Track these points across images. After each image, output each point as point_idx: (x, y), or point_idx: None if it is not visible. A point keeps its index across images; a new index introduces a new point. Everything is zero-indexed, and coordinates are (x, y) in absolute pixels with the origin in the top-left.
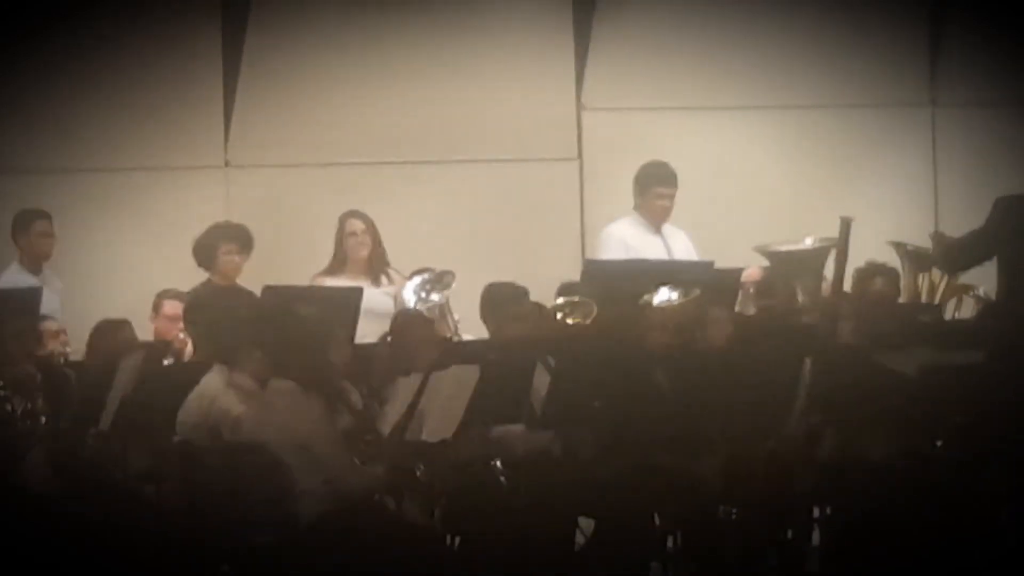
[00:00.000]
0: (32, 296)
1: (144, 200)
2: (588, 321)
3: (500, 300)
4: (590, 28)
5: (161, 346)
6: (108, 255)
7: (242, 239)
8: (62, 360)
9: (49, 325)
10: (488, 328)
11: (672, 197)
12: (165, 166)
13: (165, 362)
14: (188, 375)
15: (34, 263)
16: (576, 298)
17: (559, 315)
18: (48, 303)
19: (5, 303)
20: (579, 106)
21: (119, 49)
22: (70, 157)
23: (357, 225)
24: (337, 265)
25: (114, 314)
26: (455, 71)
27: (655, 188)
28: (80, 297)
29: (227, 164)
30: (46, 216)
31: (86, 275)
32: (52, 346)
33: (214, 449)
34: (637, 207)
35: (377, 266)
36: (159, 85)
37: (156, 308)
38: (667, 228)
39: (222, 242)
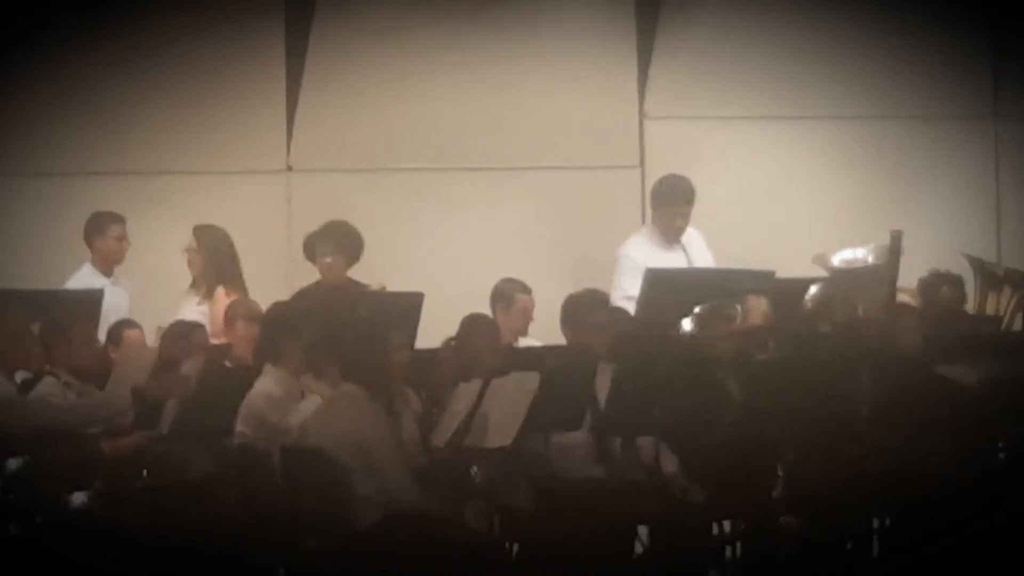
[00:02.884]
0: (93, 299)
1: (207, 204)
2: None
3: (583, 308)
4: (653, 37)
5: (222, 349)
6: (173, 258)
7: (338, 243)
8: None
9: (131, 334)
10: (567, 336)
11: (688, 213)
12: (228, 170)
13: (226, 364)
14: (248, 378)
15: (106, 266)
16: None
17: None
18: (118, 306)
19: (69, 304)
20: (641, 114)
21: (184, 53)
22: (135, 160)
23: (190, 243)
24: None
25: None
26: (519, 78)
27: (670, 204)
28: (146, 300)
29: (290, 168)
30: (121, 220)
31: (149, 278)
32: (123, 351)
33: (273, 452)
34: (653, 220)
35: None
36: (223, 89)
37: (229, 322)
38: (690, 239)
39: (318, 244)
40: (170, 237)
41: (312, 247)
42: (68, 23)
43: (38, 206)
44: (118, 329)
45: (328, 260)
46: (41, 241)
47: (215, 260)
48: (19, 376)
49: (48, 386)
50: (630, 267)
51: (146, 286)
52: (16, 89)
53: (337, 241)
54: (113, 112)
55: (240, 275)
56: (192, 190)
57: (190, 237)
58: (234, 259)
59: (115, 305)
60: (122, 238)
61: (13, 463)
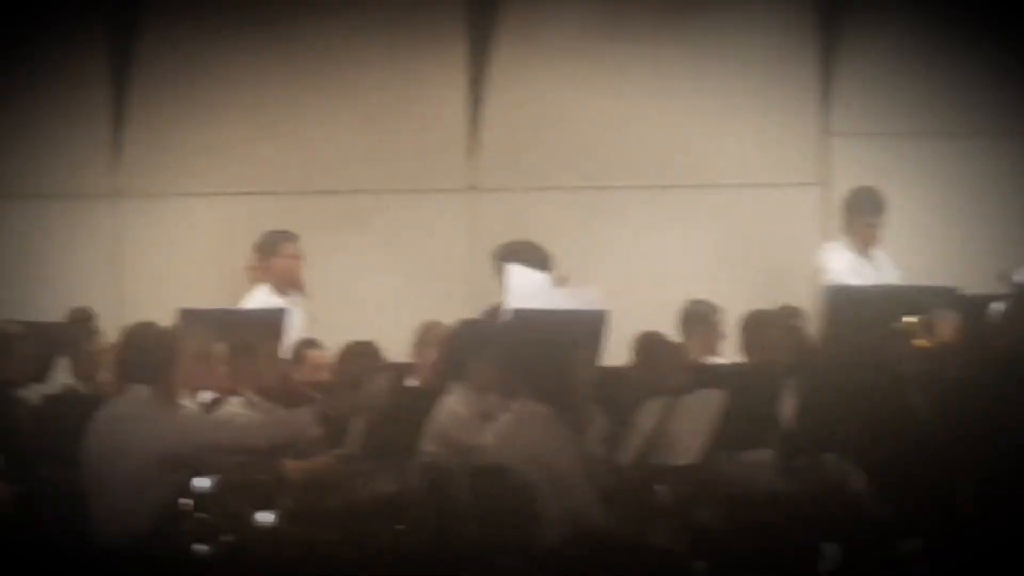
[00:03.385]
0: (278, 318)
1: (390, 221)
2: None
3: (764, 326)
4: (836, 52)
5: (407, 367)
6: (353, 276)
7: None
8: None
9: (315, 355)
10: (749, 354)
11: (879, 224)
12: (411, 188)
13: (411, 382)
14: (435, 396)
15: (283, 285)
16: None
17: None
18: (295, 325)
19: (253, 324)
20: (825, 131)
21: (366, 72)
22: (316, 179)
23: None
24: None
25: (358, 336)
26: (698, 94)
27: (863, 215)
28: (325, 319)
29: (472, 187)
30: (294, 238)
31: (330, 296)
32: (308, 374)
33: (460, 471)
34: (845, 232)
35: None
36: (404, 108)
37: (422, 338)
38: (876, 253)
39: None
40: (354, 255)
41: (499, 263)
42: (249, 42)
43: (227, 225)
44: (300, 347)
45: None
46: (223, 259)
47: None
48: (205, 396)
49: (234, 406)
50: (832, 275)
51: (327, 304)
52: (204, 110)
53: (523, 258)
54: (296, 132)
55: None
56: (376, 208)
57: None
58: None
59: (291, 324)
60: (296, 256)
61: (201, 482)
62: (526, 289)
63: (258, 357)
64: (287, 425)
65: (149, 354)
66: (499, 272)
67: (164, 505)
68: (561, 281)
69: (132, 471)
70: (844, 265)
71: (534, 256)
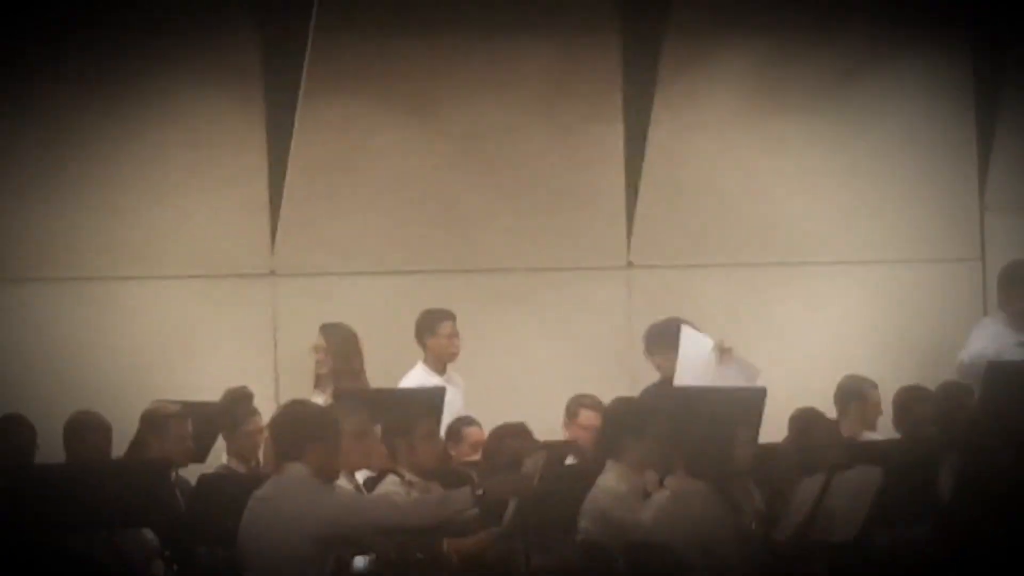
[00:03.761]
0: (436, 396)
1: (546, 300)
2: None
3: (916, 402)
4: (993, 127)
5: (563, 446)
6: (510, 354)
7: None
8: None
9: (470, 432)
10: (904, 430)
11: None
12: (568, 266)
13: (567, 461)
14: (590, 474)
15: (439, 363)
16: None
17: None
18: (452, 403)
19: (411, 404)
20: (982, 206)
21: (524, 149)
22: (474, 257)
23: (318, 342)
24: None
25: (517, 415)
26: (854, 169)
27: (1019, 290)
28: (483, 397)
29: (629, 264)
30: (451, 317)
31: (488, 374)
32: (465, 453)
33: (618, 548)
34: (1002, 308)
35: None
36: (562, 185)
37: (571, 415)
38: None
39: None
40: (511, 332)
41: (648, 343)
42: (404, 120)
43: (384, 304)
44: (457, 426)
45: (658, 359)
46: (380, 338)
47: (344, 359)
48: (362, 475)
49: (391, 485)
50: (976, 346)
51: (484, 382)
52: (359, 189)
53: (671, 339)
54: (452, 210)
55: (364, 374)
56: (534, 286)
57: (320, 335)
58: (360, 358)
59: (449, 402)
60: (454, 335)
61: (360, 561)
62: (696, 353)
63: (415, 436)
64: (445, 506)
65: (304, 433)
66: (650, 350)
67: None
68: (725, 352)
69: (288, 551)
70: (997, 341)
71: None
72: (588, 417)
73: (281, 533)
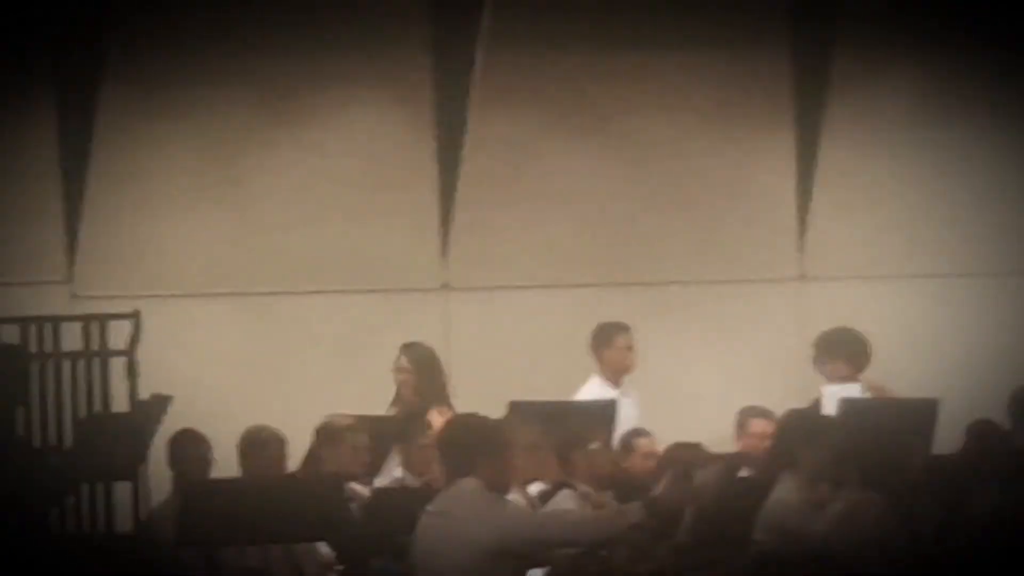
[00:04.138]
0: (609, 409)
1: (717, 312)
2: None
3: None
4: None
5: (739, 458)
6: (680, 367)
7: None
8: None
9: (642, 443)
10: None
11: None
12: (740, 278)
13: (742, 473)
14: (767, 485)
15: (614, 376)
16: None
17: None
18: (628, 416)
19: (584, 416)
20: None
21: (694, 162)
22: (643, 270)
23: (401, 362)
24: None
25: (689, 426)
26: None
27: None
28: (657, 410)
29: (801, 277)
30: (626, 329)
31: (661, 387)
32: (637, 464)
33: (792, 559)
34: None
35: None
36: (733, 197)
37: (742, 426)
38: None
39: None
40: (681, 345)
41: (819, 352)
42: (570, 134)
43: (556, 317)
44: (629, 438)
45: (828, 367)
46: (552, 351)
47: (427, 378)
48: (535, 488)
49: (564, 498)
50: None
51: (656, 395)
52: (531, 203)
53: (841, 348)
54: (622, 223)
55: (447, 392)
56: (704, 299)
57: (403, 355)
58: (443, 376)
59: (625, 415)
60: (629, 347)
61: (536, 575)
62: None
63: (588, 449)
64: (616, 521)
65: (474, 447)
66: (820, 359)
67: None
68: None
69: (461, 564)
70: None
71: (854, 347)
72: (759, 427)
73: (453, 547)
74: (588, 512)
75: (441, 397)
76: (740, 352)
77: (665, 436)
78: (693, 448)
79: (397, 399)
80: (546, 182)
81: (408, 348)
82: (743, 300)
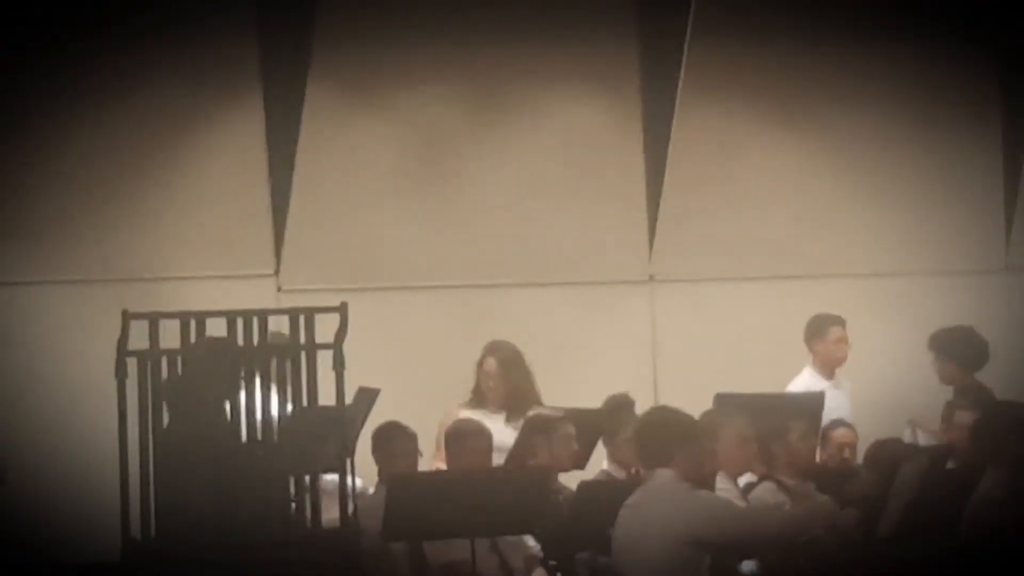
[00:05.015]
0: (815, 401)
1: (924, 304)
2: None
3: None
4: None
5: (945, 450)
6: (888, 359)
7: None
8: None
9: (838, 433)
10: None
11: None
12: (945, 270)
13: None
14: (973, 478)
15: (827, 368)
16: None
17: None
18: (839, 408)
19: (789, 408)
20: None
21: (900, 154)
22: (855, 262)
23: (490, 364)
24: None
25: (900, 418)
26: None
27: None
28: (868, 402)
29: (1008, 268)
30: (841, 322)
31: (872, 380)
32: (834, 454)
33: (997, 552)
34: None
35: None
36: (940, 189)
37: (948, 418)
38: None
39: None
40: (890, 337)
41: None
42: (785, 129)
43: (760, 309)
44: (827, 429)
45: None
46: (759, 342)
47: (510, 376)
48: (743, 480)
49: (765, 491)
50: None
51: (866, 388)
52: (737, 197)
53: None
54: (832, 215)
55: (533, 389)
56: (911, 291)
57: (489, 356)
58: (528, 374)
59: (836, 407)
60: (842, 340)
61: (747, 566)
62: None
63: (790, 439)
64: (812, 518)
65: (671, 439)
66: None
67: None
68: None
69: (656, 556)
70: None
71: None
72: (963, 418)
73: (649, 538)
74: (784, 512)
75: (531, 396)
76: None
77: (875, 429)
78: (898, 441)
79: (478, 397)
80: (753, 173)
81: (492, 346)
82: (951, 292)
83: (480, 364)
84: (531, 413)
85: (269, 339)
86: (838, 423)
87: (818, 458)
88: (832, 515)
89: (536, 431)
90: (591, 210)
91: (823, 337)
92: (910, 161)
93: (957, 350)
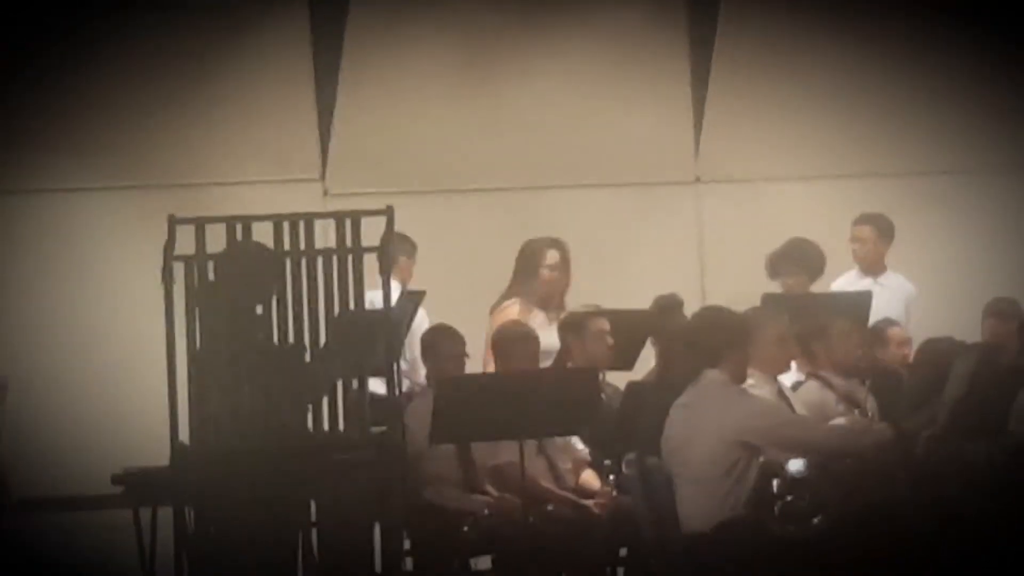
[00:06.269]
0: (862, 299)
1: (976, 202)
2: None
3: None
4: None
5: (993, 349)
6: (945, 256)
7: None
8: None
9: (894, 332)
10: None
11: None
12: (996, 169)
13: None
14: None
15: (870, 268)
16: None
17: None
18: (888, 306)
19: (834, 307)
20: None
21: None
22: (902, 160)
23: (553, 256)
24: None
25: (947, 315)
26: None
27: None
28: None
29: None
30: (865, 221)
31: (925, 277)
32: (893, 351)
33: None
34: None
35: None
36: (987, 88)
37: (990, 315)
38: None
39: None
40: (943, 234)
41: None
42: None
43: (802, 208)
44: (881, 328)
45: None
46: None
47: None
48: (789, 378)
49: (808, 389)
50: None
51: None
52: (779, 96)
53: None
54: (879, 114)
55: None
56: (961, 189)
57: (554, 249)
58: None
59: (881, 306)
60: (858, 239)
61: (795, 464)
62: None
63: (832, 337)
64: (860, 439)
65: (720, 339)
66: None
67: (752, 488)
68: None
69: (706, 457)
70: None
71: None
72: (1006, 318)
73: (701, 440)
74: (832, 425)
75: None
76: (997, 243)
77: (927, 327)
78: (950, 340)
79: (532, 294)
80: (799, 74)
81: (556, 242)
82: (1000, 190)
83: (539, 255)
84: (563, 314)
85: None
86: (891, 322)
87: (876, 356)
88: (880, 440)
89: (567, 330)
90: (637, 112)
91: (851, 234)
92: (957, 61)
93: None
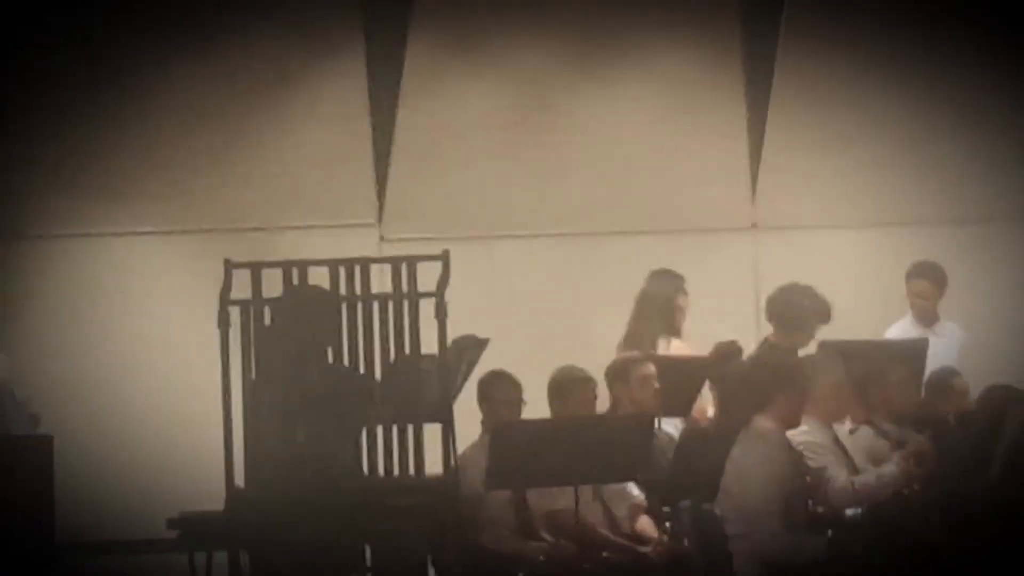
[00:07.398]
0: (918, 347)
1: None
2: None
3: None
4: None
5: None
6: (991, 307)
7: None
8: None
9: (957, 381)
10: None
11: None
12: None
13: None
14: None
15: (925, 316)
16: None
17: None
18: (943, 355)
19: (890, 354)
20: None
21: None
22: (951, 208)
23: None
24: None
25: (1004, 368)
26: None
27: None
28: (972, 349)
29: None
30: (920, 272)
31: (972, 327)
32: (955, 400)
33: None
34: None
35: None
36: None
37: None
38: None
39: None
40: (998, 282)
41: None
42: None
43: (857, 255)
44: (944, 377)
45: None
46: (861, 290)
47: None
48: (847, 426)
49: (861, 436)
50: None
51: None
52: (836, 139)
53: None
54: (929, 162)
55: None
56: (1013, 238)
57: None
58: None
59: (936, 354)
60: (917, 295)
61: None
62: None
63: (889, 384)
64: (888, 486)
65: (772, 383)
66: None
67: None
68: None
69: (757, 503)
70: None
71: None
72: None
73: (749, 487)
74: (864, 481)
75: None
76: None
77: (983, 375)
78: (1008, 387)
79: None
80: (856, 119)
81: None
82: None
83: (672, 299)
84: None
85: None
86: (952, 372)
87: (938, 406)
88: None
89: (613, 378)
90: (693, 158)
91: (907, 286)
92: (1018, 107)
93: None
